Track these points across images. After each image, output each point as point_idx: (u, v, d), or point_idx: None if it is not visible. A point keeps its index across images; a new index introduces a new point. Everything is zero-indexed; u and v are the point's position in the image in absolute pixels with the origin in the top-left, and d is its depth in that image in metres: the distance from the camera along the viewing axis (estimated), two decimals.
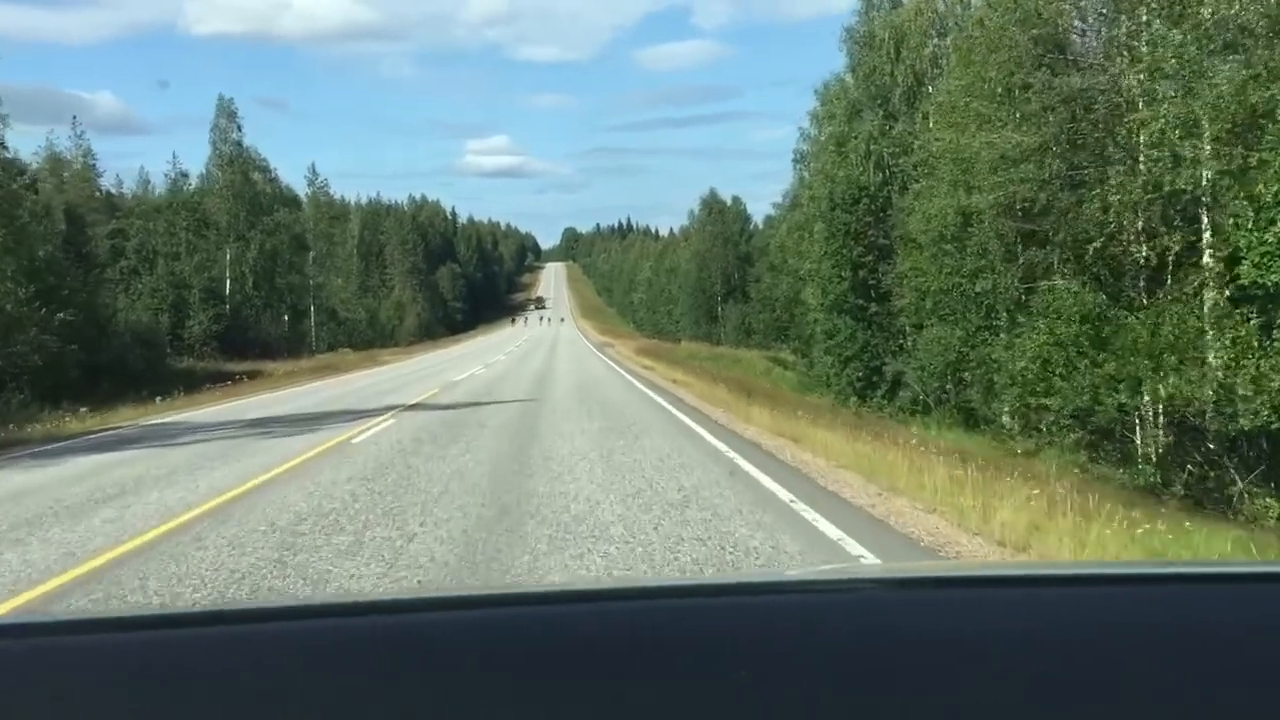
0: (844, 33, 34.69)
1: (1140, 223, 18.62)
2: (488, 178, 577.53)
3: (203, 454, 11.35)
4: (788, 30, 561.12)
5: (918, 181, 30.00)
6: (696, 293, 72.34)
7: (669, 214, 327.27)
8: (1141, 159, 17.98)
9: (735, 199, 79.43)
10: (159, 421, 17.76)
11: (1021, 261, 22.89)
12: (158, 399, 25.41)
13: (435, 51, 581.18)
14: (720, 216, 73.32)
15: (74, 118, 42.18)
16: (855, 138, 32.31)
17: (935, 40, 32.20)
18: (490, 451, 10.75)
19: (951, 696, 0.84)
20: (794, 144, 44.95)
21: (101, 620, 1.19)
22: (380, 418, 15.06)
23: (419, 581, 5.30)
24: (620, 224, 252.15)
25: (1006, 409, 24.13)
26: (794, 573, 1.57)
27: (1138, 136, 18.59)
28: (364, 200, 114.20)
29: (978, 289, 24.34)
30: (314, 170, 75.01)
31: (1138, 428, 19.01)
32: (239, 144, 50.94)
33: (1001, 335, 24.99)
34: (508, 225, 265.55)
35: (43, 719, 0.82)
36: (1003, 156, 22.16)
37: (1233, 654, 0.91)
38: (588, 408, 16.25)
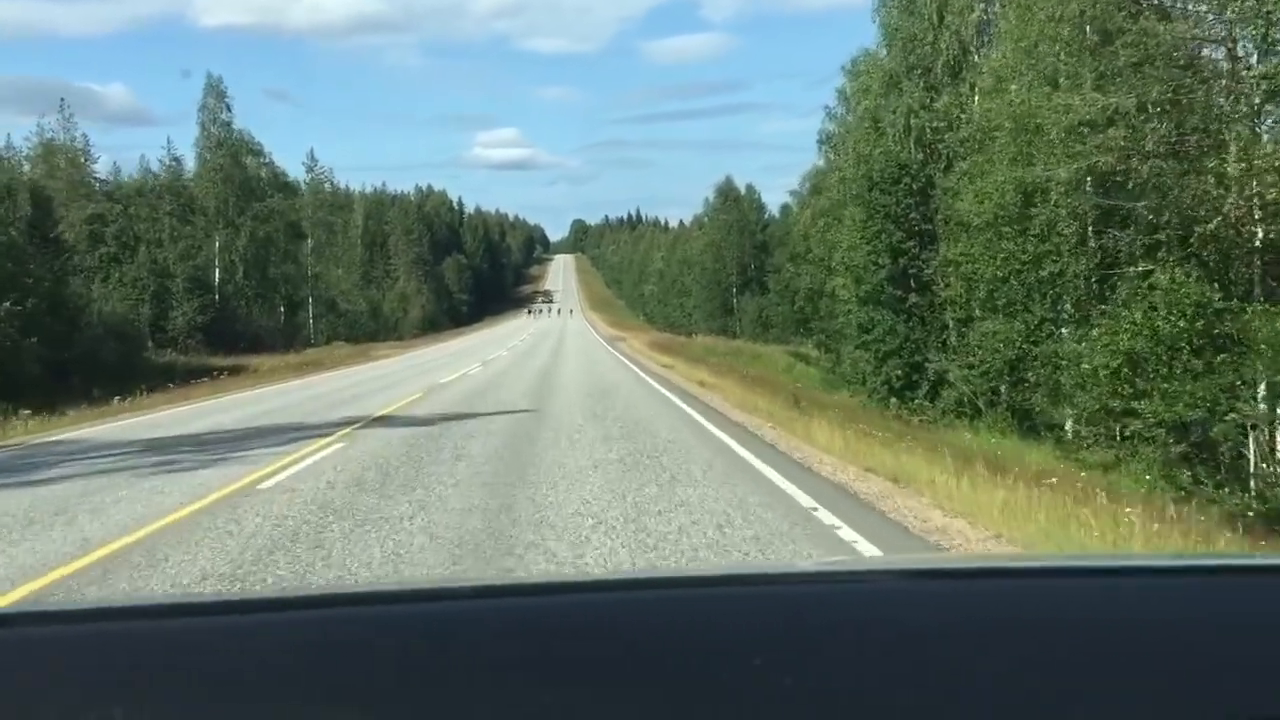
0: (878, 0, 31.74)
1: (1258, 200, 15.64)
2: (496, 170, 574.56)
3: (13, 510, 7.70)
4: (797, 22, 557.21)
5: (964, 159, 27.03)
6: (711, 284, 69.22)
7: (678, 206, 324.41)
8: (1267, 125, 15.05)
9: (750, 187, 76.44)
10: (49, 439, 13.89)
11: (1099, 244, 19.90)
12: (117, 399, 22.62)
13: (443, 44, 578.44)
14: (736, 204, 70.18)
15: (61, 100, 39.64)
16: (894, 112, 29.30)
17: (982, 4, 29.16)
18: (458, 510, 7.15)
19: (971, 686, 0.84)
20: (819, 125, 41.97)
21: (107, 609, 1.18)
22: (329, 438, 11.60)
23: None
24: (629, 215, 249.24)
25: (1072, 415, 21.18)
26: (807, 564, 1.43)
27: (1256, 97, 15.63)
28: (369, 190, 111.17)
29: (1043, 276, 21.37)
30: (312, 156, 72.27)
31: (1251, 443, 16.06)
32: (228, 125, 48.08)
33: (1067, 330, 22.04)
34: (516, 217, 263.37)
35: (49, 708, 0.82)
36: (1080, 122, 19.19)
37: (1250, 645, 0.91)
38: (602, 424, 12.82)
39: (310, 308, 65.41)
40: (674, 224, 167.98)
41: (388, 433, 12.29)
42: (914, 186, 28.42)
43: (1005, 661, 0.88)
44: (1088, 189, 20.81)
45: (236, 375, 32.31)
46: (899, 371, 28.51)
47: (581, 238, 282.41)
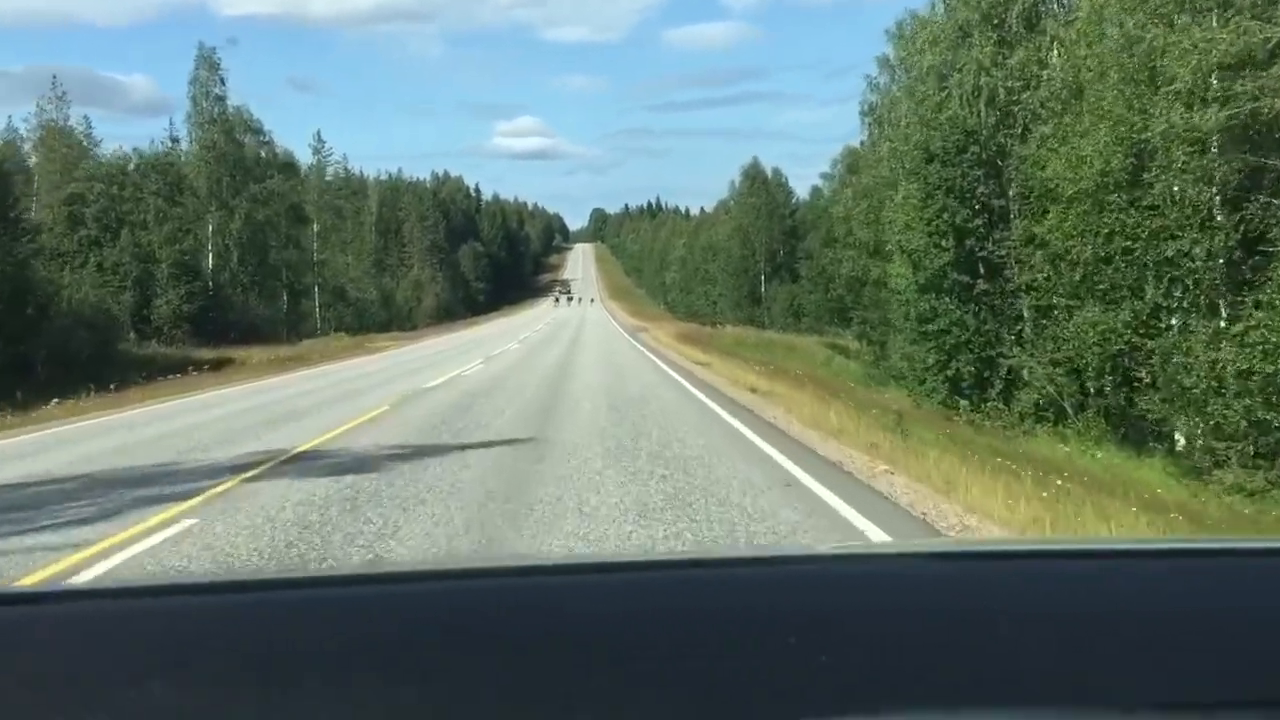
0: None
1: None
2: (516, 160, 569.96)
3: None
4: (817, 10, 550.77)
5: (1046, 121, 23.29)
6: (737, 271, 65.35)
7: (698, 196, 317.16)
8: None
9: (776, 170, 72.48)
10: None
11: (1241, 215, 16.18)
12: (54, 402, 19.32)
13: (464, 33, 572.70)
14: (764, 187, 66.23)
15: (53, 77, 36.60)
16: (959, 70, 25.53)
17: None
18: None
19: (1000, 666, 0.85)
20: (860, 96, 38.19)
21: (146, 587, 1.19)
22: (180, 506, 7.07)
23: None
24: (650, 203, 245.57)
25: (1198, 424, 17.47)
26: (833, 546, 1.43)
27: None
28: (384, 176, 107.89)
29: (1161, 256, 17.68)
30: (319, 138, 69.04)
31: None
32: (222, 100, 44.56)
33: (1186, 320, 18.32)
34: (535, 205, 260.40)
35: (88, 683, 0.82)
36: (1221, 64, 15.49)
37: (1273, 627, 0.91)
38: (633, 468, 8.52)
39: (317, 296, 62.15)
40: (695, 212, 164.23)
41: (287, 491, 7.55)
42: (983, 156, 24.69)
43: (1037, 642, 0.88)
44: (1213, 149, 17.11)
45: (218, 370, 29.11)
46: (969, 368, 24.82)
47: (601, 226, 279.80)
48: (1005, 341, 24.90)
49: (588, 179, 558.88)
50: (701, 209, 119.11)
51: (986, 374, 24.85)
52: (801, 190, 74.29)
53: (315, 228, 62.52)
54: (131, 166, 40.27)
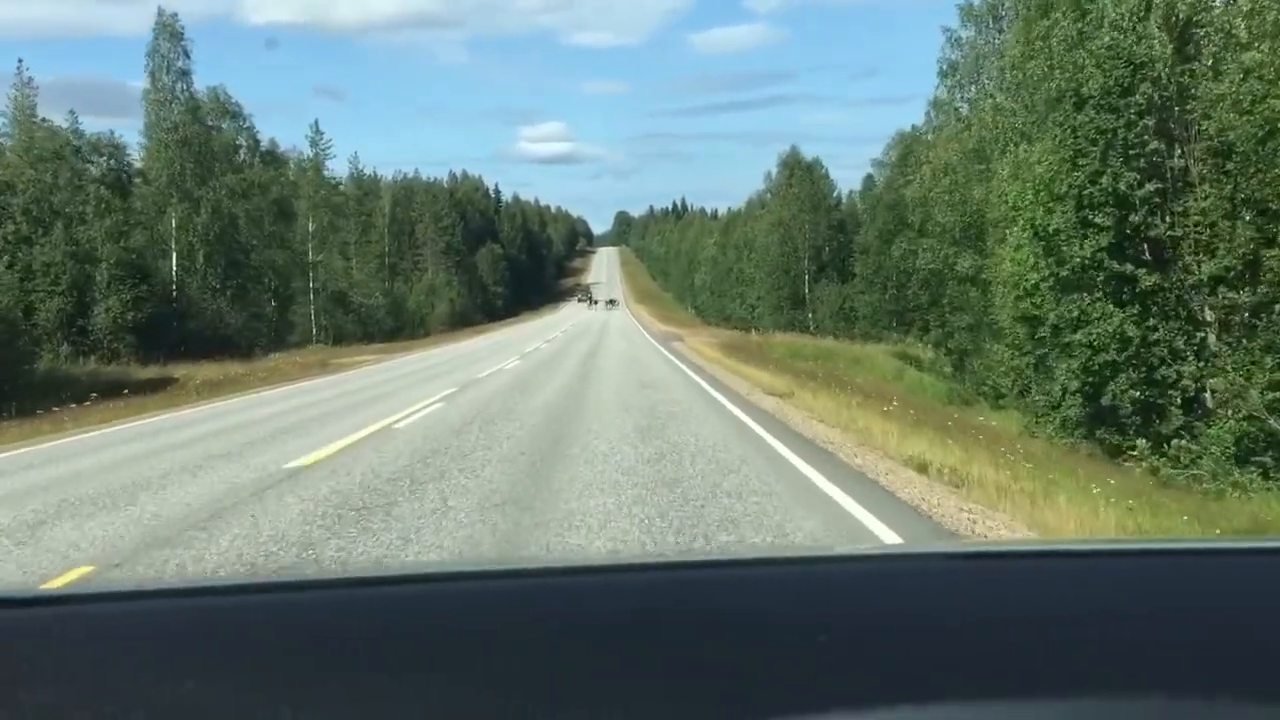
0: None
1: None
2: (541, 164, 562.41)
3: None
4: (841, 13, 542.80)
5: (1254, 46, 16.55)
6: (777, 271, 58.28)
7: (723, 198, 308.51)
8: None
9: (816, 160, 65.42)
10: None
11: None
12: None
13: (489, 38, 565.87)
14: (808, 175, 59.14)
15: (19, 62, 31.28)
16: None
17: None
18: None
19: (1020, 666, 0.84)
20: (939, 52, 31.46)
21: (141, 591, 1.19)
22: None
23: None
24: (675, 205, 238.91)
25: None
26: (842, 548, 1.45)
27: None
28: (399, 177, 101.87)
29: None
30: (317, 129, 62.77)
31: None
32: (186, 75, 38.19)
33: None
34: (558, 208, 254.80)
35: (106, 684, 0.82)
36: None
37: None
38: None
39: (313, 302, 55.91)
40: (722, 213, 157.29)
41: None
42: (1156, 99, 17.93)
43: (1057, 642, 0.87)
44: None
45: (155, 393, 23.01)
46: (1131, 393, 18.03)
47: (625, 230, 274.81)
48: (1183, 355, 18.11)
49: (611, 183, 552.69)
50: (729, 209, 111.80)
51: (1160, 401, 18.05)
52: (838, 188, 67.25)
53: (310, 226, 56.29)
54: (68, 149, 33.93)
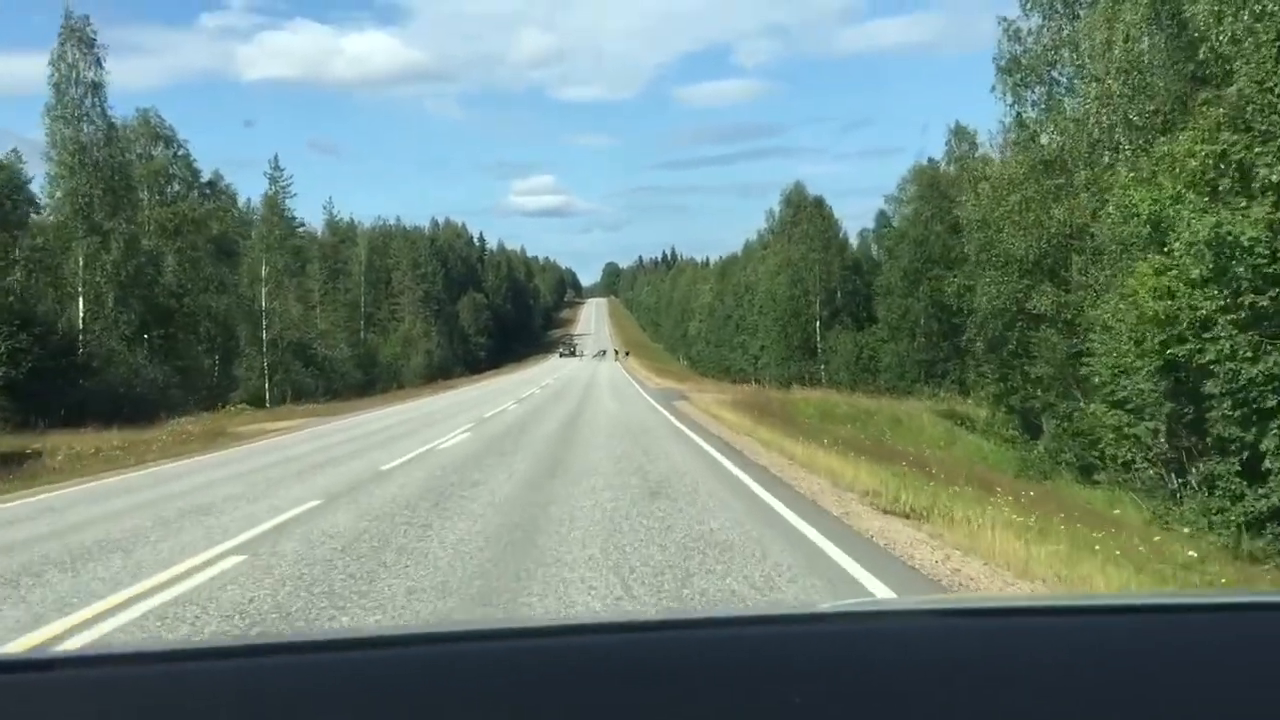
0: None
1: None
2: (531, 217, 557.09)
3: None
4: (828, 66, 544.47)
5: None
6: (785, 317, 52.24)
7: (714, 248, 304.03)
8: None
9: (819, 199, 59.87)
10: None
11: None
12: None
13: (482, 93, 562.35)
14: (818, 211, 53.37)
15: None
16: None
17: None
18: None
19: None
20: (994, 48, 25.85)
21: (128, 655, 1.15)
22: None
23: None
24: (665, 254, 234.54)
25: None
26: (826, 605, 1.36)
27: None
28: (380, 224, 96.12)
29: None
30: (276, 165, 56.94)
31: None
32: (97, 87, 32.23)
33: None
34: (546, 259, 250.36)
35: None
36: None
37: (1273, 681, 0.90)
38: None
39: (265, 355, 49.59)
40: (714, 261, 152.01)
41: None
42: None
43: (1041, 697, 0.86)
44: None
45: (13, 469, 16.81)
46: None
47: (614, 280, 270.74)
48: None
49: (601, 235, 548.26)
50: (720, 259, 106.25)
51: None
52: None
53: (264, 269, 50.24)
54: None
